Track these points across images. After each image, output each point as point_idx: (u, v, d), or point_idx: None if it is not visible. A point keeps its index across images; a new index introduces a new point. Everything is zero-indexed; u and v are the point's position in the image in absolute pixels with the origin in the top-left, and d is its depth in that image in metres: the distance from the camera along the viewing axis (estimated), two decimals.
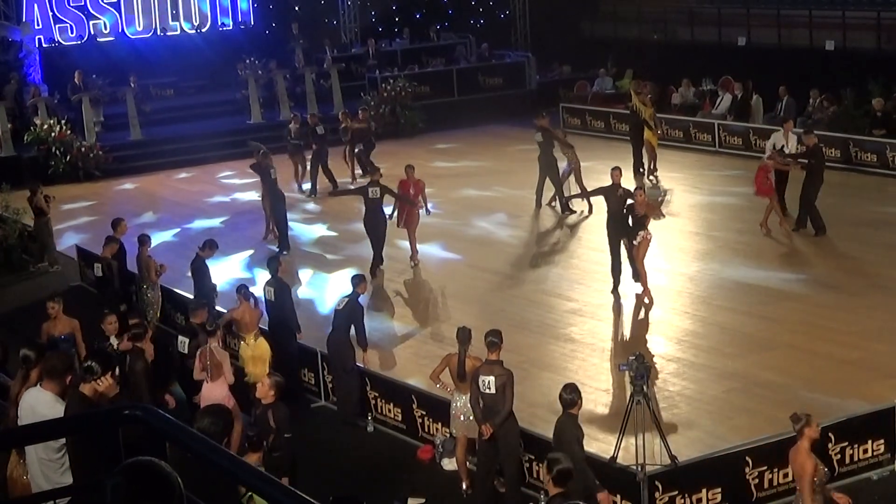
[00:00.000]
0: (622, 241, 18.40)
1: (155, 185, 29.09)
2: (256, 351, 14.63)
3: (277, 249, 21.36)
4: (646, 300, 18.04)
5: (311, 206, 25.89)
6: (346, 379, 14.72)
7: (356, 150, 27.54)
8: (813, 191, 20.86)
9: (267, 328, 15.54)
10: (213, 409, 9.58)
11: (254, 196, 25.87)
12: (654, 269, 18.63)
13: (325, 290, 19.86)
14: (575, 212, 23.46)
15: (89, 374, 8.47)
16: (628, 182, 21.08)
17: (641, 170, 26.54)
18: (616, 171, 19.01)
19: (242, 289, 15.48)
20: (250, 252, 22.29)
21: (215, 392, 13.41)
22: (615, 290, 18.47)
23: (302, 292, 19.73)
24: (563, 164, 24.07)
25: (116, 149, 30.49)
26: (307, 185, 26.68)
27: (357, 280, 15.23)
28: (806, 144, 21.42)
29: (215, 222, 24.98)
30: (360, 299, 15.19)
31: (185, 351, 14.16)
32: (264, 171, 22.52)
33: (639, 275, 18.20)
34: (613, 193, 18.69)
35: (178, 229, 24.54)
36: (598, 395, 15.08)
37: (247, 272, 20.97)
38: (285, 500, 4.26)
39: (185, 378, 14.03)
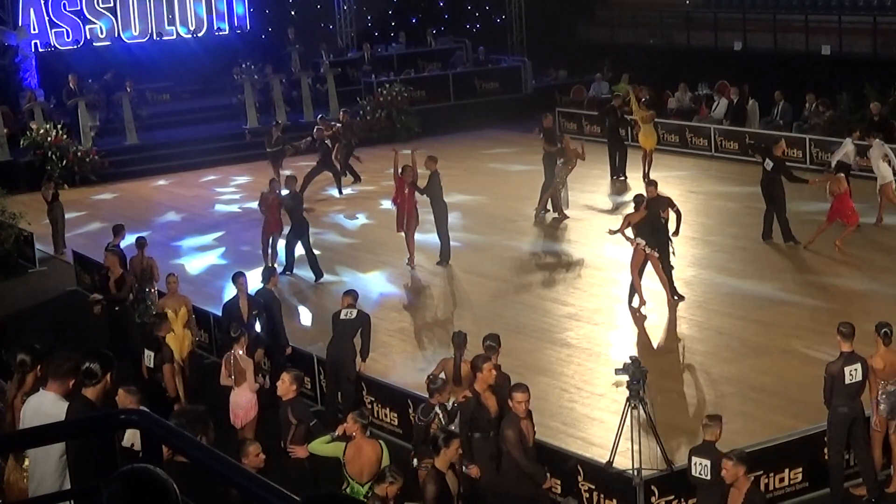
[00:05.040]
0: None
1: (151, 190, 29.10)
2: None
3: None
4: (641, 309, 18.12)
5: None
6: (348, 387, 14.69)
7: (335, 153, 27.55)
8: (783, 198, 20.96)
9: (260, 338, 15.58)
10: (185, 411, 9.58)
11: (250, 201, 25.89)
12: (649, 273, 18.62)
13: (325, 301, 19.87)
14: (568, 217, 23.51)
15: (89, 377, 8.36)
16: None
17: (622, 177, 26.70)
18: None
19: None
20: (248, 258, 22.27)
21: (241, 398, 13.51)
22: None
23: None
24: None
25: (113, 153, 30.50)
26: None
27: (356, 294, 15.27)
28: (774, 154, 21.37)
29: (213, 228, 25.00)
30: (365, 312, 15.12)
31: (152, 365, 14.01)
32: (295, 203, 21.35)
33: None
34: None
35: (175, 233, 24.57)
36: (594, 400, 15.09)
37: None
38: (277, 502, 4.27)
39: (154, 392, 13.84)
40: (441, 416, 11.73)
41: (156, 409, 13.22)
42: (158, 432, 4.87)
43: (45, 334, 16.98)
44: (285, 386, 12.00)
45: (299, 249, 20.78)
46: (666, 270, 18.13)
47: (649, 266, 18.11)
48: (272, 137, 27.19)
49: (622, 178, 26.66)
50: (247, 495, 4.37)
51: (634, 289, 18.11)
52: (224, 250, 23.17)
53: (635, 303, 18.15)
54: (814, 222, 21.25)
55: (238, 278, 15.87)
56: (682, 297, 18.27)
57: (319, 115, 29.74)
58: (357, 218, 25.25)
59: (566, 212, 23.61)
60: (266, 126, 29.70)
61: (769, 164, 20.98)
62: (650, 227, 18.00)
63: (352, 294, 15.25)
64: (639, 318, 17.82)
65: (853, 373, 12.03)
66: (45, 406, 8.28)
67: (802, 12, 32.14)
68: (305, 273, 20.78)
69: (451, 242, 21.22)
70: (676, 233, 18.77)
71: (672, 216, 18.58)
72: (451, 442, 10.39)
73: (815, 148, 26.14)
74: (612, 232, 18.53)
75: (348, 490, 11.00)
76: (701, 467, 10.84)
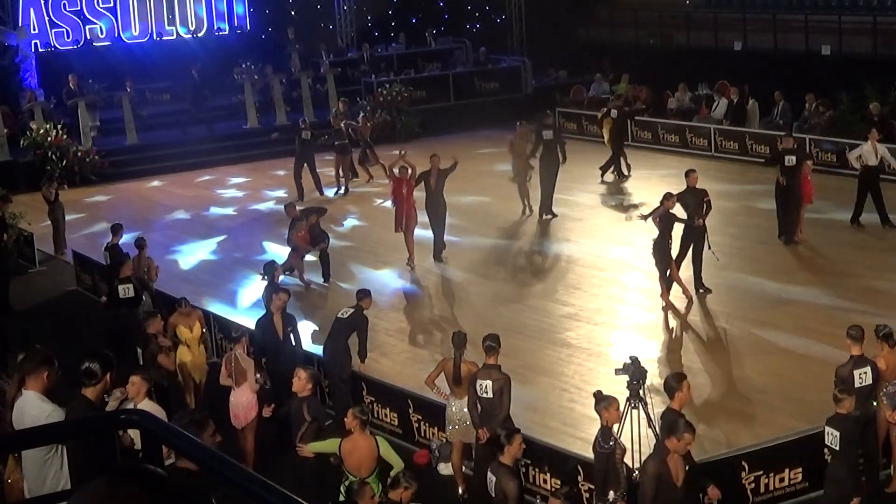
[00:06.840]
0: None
1: (151, 190, 29.09)
2: None
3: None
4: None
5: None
6: (343, 387, 14.68)
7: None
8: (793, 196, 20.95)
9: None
10: (184, 414, 9.57)
11: (250, 202, 25.88)
12: (649, 273, 18.63)
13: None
14: (558, 215, 23.71)
15: (89, 377, 8.29)
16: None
17: (627, 174, 27.16)
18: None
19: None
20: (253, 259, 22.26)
21: (241, 398, 13.55)
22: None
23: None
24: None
25: (113, 153, 30.49)
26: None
27: (362, 294, 15.16)
28: (784, 147, 21.58)
29: (213, 228, 24.99)
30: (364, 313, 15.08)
31: (142, 362, 14.02)
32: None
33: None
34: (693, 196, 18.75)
35: (175, 233, 24.55)
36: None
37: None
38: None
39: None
40: (622, 443, 11.31)
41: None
42: (158, 432, 4.86)
43: (45, 334, 16.99)
44: (301, 383, 12.03)
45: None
46: (696, 265, 18.47)
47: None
48: (356, 131, 27.40)
49: (603, 177, 27.20)
50: (248, 496, 4.36)
51: (678, 284, 18.29)
52: (224, 251, 23.17)
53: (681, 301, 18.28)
54: (812, 221, 21.28)
55: (280, 294, 15.06)
56: (691, 299, 18.32)
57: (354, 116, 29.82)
58: (359, 217, 25.25)
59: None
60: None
61: (792, 160, 20.98)
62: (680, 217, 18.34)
63: (357, 294, 15.25)
64: (639, 316, 17.83)
65: (863, 376, 12.06)
66: (28, 408, 8.15)
67: (802, 12, 32.13)
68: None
69: (452, 238, 21.28)
70: (704, 217, 18.72)
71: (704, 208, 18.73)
72: (513, 438, 10.33)
73: (815, 148, 26.12)
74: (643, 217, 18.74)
75: (347, 485, 10.99)
76: (832, 437, 11.15)
